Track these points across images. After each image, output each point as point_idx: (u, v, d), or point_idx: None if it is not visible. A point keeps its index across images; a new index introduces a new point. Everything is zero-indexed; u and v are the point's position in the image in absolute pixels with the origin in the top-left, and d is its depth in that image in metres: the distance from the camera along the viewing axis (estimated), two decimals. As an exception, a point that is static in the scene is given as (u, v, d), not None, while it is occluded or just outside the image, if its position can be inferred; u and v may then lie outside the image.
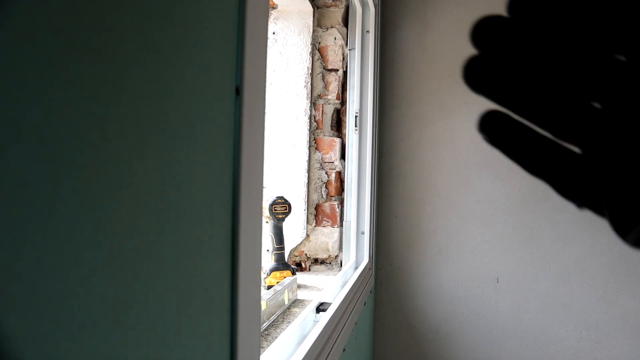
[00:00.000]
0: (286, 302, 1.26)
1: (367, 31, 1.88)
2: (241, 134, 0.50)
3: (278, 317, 1.18)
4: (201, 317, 0.42)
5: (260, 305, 0.56)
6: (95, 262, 0.28)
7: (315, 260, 1.81)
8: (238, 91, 0.50)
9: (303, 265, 1.79)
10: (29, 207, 0.23)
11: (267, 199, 1.45)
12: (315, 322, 1.06)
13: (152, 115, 0.34)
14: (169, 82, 0.37)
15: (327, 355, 0.95)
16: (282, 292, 1.23)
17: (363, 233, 1.80)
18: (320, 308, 1.15)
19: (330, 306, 1.15)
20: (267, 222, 1.47)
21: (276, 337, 0.96)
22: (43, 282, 0.24)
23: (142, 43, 0.33)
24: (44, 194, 0.24)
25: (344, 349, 1.18)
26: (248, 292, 0.51)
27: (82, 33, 0.27)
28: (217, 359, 0.45)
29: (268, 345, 0.89)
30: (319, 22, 1.84)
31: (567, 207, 1.96)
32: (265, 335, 1.04)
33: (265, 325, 1.08)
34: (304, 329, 1.02)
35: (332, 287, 1.38)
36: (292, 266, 1.46)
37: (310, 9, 1.81)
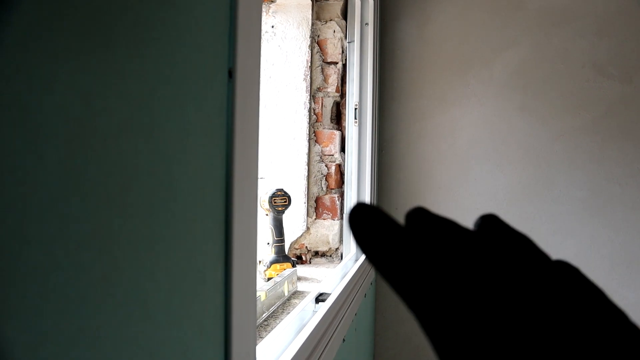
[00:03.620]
0: (286, 294, 1.26)
1: (366, 23, 1.87)
2: (234, 117, 0.49)
3: (277, 308, 1.18)
4: (194, 299, 0.42)
5: (255, 289, 0.56)
6: (81, 237, 0.27)
7: (316, 253, 1.81)
8: (231, 74, 0.50)
9: (303, 258, 1.79)
10: (10, 180, 0.23)
11: (267, 191, 1.45)
12: (314, 312, 1.06)
13: (140, 92, 0.34)
14: (158, 60, 0.36)
15: (326, 345, 0.95)
16: (281, 283, 1.23)
17: (363, 226, 1.79)
18: (320, 298, 1.15)
19: (330, 297, 1.15)
20: (266, 214, 1.46)
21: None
22: (27, 254, 0.24)
23: (130, 19, 0.32)
24: (25, 166, 0.24)
25: (343, 340, 1.18)
26: (243, 276, 0.51)
27: (67, 4, 0.26)
28: (211, 342, 0.45)
29: (267, 335, 0.89)
30: (317, 15, 1.84)
31: (567, 200, 1.95)
32: (264, 326, 1.04)
33: (264, 316, 1.08)
34: (303, 318, 1.02)
35: (332, 278, 1.38)
36: (293, 259, 1.46)
37: (309, 1, 1.80)
